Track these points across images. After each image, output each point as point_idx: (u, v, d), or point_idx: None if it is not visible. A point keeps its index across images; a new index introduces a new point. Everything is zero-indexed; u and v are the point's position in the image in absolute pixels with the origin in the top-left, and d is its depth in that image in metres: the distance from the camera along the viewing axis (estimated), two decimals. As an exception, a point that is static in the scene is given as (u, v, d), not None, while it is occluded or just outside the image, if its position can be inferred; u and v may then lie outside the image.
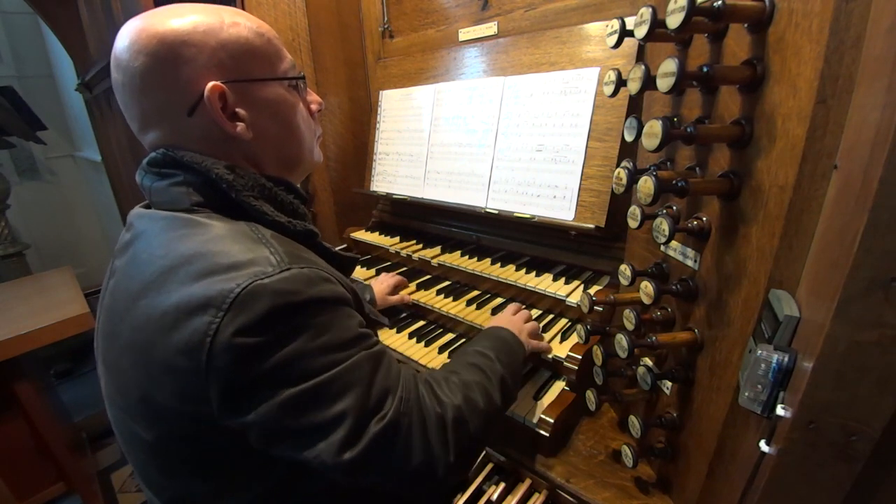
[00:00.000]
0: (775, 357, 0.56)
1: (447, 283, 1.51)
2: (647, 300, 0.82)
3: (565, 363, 1.07)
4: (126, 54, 0.61)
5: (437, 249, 1.57)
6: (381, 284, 1.43)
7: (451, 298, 1.39)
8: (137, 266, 0.61)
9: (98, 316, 0.71)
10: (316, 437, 0.55)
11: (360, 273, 1.66)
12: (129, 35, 0.61)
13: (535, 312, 1.28)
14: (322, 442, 0.55)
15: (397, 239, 1.70)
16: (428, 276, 1.57)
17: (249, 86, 0.65)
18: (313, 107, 0.78)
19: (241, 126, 0.65)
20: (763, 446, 0.60)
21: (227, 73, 0.63)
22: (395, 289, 1.45)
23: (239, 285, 0.53)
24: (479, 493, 1.08)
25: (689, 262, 0.79)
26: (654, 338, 0.78)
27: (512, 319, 1.05)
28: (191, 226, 0.60)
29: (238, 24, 0.64)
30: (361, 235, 1.81)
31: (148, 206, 0.70)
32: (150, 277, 0.58)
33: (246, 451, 0.61)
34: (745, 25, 0.63)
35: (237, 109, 0.65)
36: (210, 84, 0.61)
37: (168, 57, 0.60)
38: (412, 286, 1.50)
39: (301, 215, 0.71)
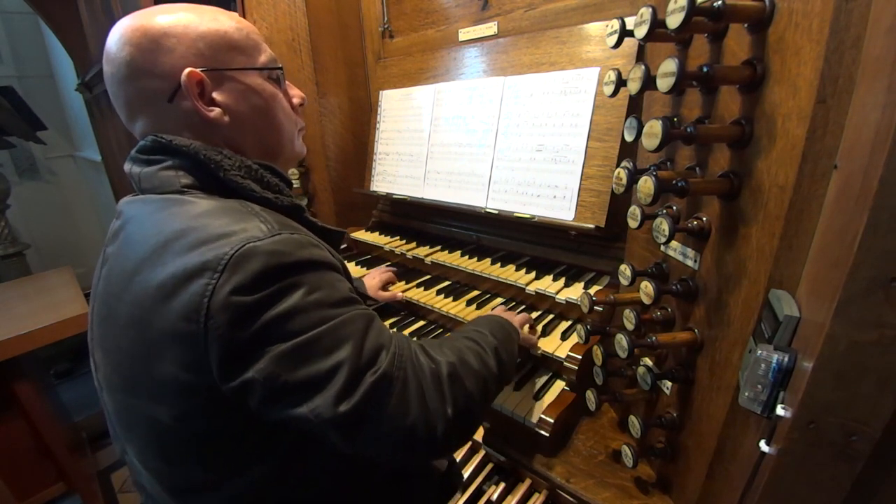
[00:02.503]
0: (775, 357, 0.56)
1: (447, 283, 1.51)
2: (647, 300, 0.82)
3: (565, 363, 1.07)
4: (115, 47, 0.66)
5: (437, 249, 1.57)
6: (372, 280, 1.44)
7: (451, 298, 1.39)
8: (131, 246, 0.63)
9: (91, 305, 0.72)
10: (313, 390, 0.56)
11: (358, 273, 1.66)
12: (118, 30, 0.67)
13: (536, 313, 1.28)
14: (319, 395, 0.56)
15: (397, 239, 1.70)
16: (428, 276, 1.57)
17: (226, 74, 0.69)
18: (295, 100, 0.81)
19: (216, 111, 0.68)
20: (763, 446, 0.60)
21: (205, 61, 0.67)
22: (387, 285, 1.46)
23: (233, 247, 0.55)
24: (479, 493, 1.08)
25: (689, 262, 0.79)
26: (654, 338, 0.78)
27: (501, 310, 1.10)
28: (182, 204, 0.63)
29: (218, 19, 0.69)
30: (361, 235, 1.81)
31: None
32: (144, 254, 0.60)
33: (246, 432, 0.63)
34: (745, 25, 0.63)
35: (214, 95, 0.68)
36: (187, 70, 0.65)
37: (150, 47, 0.65)
38: (412, 285, 1.50)
39: (286, 195, 0.73)
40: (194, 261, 0.55)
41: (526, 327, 1.09)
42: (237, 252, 0.55)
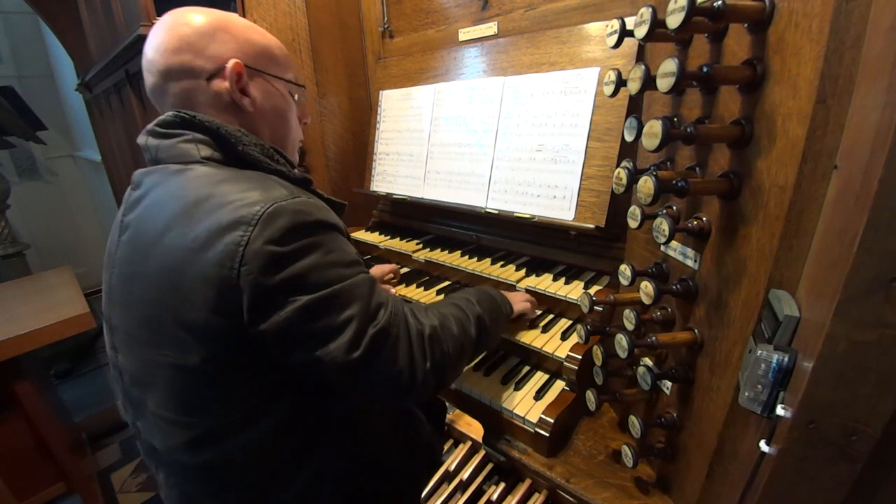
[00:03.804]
0: (775, 357, 0.56)
1: (447, 283, 1.51)
2: (647, 300, 0.82)
3: (565, 363, 1.07)
4: (173, 22, 0.75)
5: (437, 249, 1.57)
6: (373, 272, 1.45)
7: (451, 298, 1.39)
8: (159, 209, 0.69)
9: (108, 274, 0.78)
10: (328, 338, 0.65)
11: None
12: (182, 12, 0.76)
13: (536, 312, 1.28)
14: (333, 343, 0.65)
15: (397, 239, 1.70)
16: (428, 276, 1.57)
17: (261, 75, 0.81)
18: (304, 119, 0.95)
19: (246, 100, 0.79)
20: (763, 446, 0.60)
21: (248, 60, 0.78)
22: (387, 279, 1.48)
23: (263, 206, 0.63)
24: (479, 493, 1.08)
25: (689, 262, 0.79)
26: (654, 338, 0.78)
27: (513, 293, 1.18)
28: (205, 172, 0.70)
29: (266, 35, 0.84)
30: (361, 235, 1.81)
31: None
32: (174, 214, 0.66)
33: (263, 376, 0.69)
34: (745, 25, 0.63)
35: (247, 88, 0.79)
36: (234, 60, 0.76)
37: (208, 32, 0.76)
38: (412, 286, 1.50)
39: (295, 170, 0.82)
40: (228, 217, 0.62)
41: (521, 304, 1.15)
42: (268, 210, 0.63)
